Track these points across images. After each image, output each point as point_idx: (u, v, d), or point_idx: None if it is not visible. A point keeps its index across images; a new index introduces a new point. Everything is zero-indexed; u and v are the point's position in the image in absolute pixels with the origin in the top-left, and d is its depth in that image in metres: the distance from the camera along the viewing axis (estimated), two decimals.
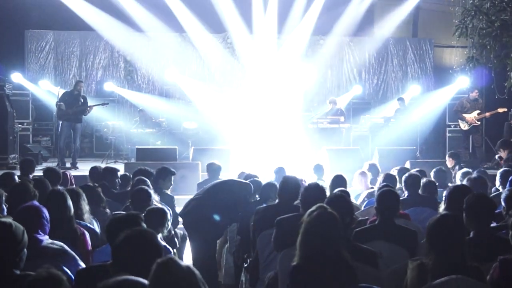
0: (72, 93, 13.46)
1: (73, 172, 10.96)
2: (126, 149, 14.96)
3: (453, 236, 3.57)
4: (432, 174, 7.68)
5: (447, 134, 16.60)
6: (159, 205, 5.81)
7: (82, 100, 13.43)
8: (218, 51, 17.76)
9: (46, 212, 4.36)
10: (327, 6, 17.10)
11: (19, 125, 14.68)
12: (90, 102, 13.62)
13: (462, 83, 16.15)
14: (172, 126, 16.01)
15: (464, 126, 14.21)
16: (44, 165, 13.55)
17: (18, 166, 9.65)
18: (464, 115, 14.12)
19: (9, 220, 3.62)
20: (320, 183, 6.51)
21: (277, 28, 17.47)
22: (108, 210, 6.24)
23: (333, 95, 17.47)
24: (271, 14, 17.09)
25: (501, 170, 7.43)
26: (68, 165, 13.04)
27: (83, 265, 4.27)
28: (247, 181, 6.85)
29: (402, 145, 13.92)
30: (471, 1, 10.90)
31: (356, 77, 17.96)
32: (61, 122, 13.42)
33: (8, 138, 13.36)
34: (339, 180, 6.77)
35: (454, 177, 8.88)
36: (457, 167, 10.43)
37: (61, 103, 13.13)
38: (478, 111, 14.06)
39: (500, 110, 13.96)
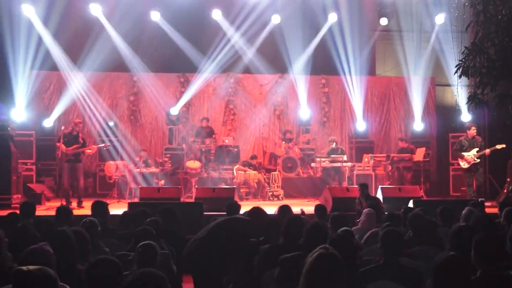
0: (71, 134, 13.57)
1: (79, 211, 10.99)
2: (130, 188, 14.95)
3: (460, 277, 3.55)
4: (437, 213, 7.63)
5: (451, 172, 16.58)
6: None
7: (82, 141, 13.57)
8: (221, 90, 17.91)
9: (51, 255, 4.36)
10: (328, 46, 17.34)
11: (23, 165, 14.71)
12: (92, 143, 13.68)
13: (464, 121, 16.24)
14: (175, 166, 16.04)
15: (464, 165, 14.18)
16: (48, 205, 13.57)
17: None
18: (463, 153, 14.10)
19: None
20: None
21: (279, 67, 17.66)
22: (107, 249, 6.20)
23: (335, 134, 17.56)
24: (274, 53, 17.31)
25: (506, 208, 7.40)
26: (74, 204, 13.05)
27: None
28: (249, 219, 6.81)
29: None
30: (471, 40, 10.97)
31: (358, 116, 17.95)
32: (62, 163, 13.51)
33: (12, 178, 13.39)
34: (338, 220, 6.77)
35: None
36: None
37: (61, 144, 13.24)
38: (477, 149, 14.04)
39: (499, 146, 13.96)
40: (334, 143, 16.09)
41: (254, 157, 16.08)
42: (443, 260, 3.68)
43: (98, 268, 3.83)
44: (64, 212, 7.44)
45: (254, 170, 15.54)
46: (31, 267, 3.47)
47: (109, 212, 8.10)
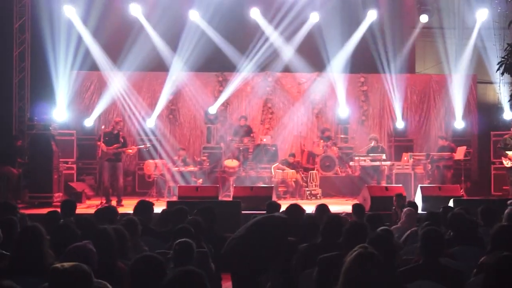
0: (111, 133, 13.71)
1: (121, 210, 11.07)
2: (168, 187, 15.06)
3: None
4: (478, 212, 7.50)
5: (492, 171, 16.28)
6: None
7: (122, 140, 13.67)
8: (259, 89, 17.89)
9: (93, 253, 4.40)
10: (367, 44, 17.20)
11: (64, 164, 14.93)
12: (132, 142, 13.78)
13: (507, 119, 15.96)
14: (213, 164, 16.09)
15: (507, 163, 13.91)
16: (88, 203, 13.77)
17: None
18: (507, 152, 13.84)
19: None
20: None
21: (317, 66, 17.57)
22: (146, 248, 6.22)
23: (374, 132, 17.40)
24: (313, 52, 17.23)
25: None
26: (113, 203, 13.19)
27: None
28: (287, 217, 6.79)
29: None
30: None
31: (398, 114, 17.76)
32: (102, 162, 13.67)
33: (53, 177, 13.60)
34: (373, 219, 6.72)
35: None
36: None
37: (102, 143, 13.38)
38: None
39: None
40: (374, 141, 15.95)
41: (292, 155, 16.03)
42: (497, 260, 3.60)
43: (143, 264, 3.86)
44: (107, 211, 7.49)
45: (292, 169, 15.50)
46: (66, 264, 3.52)
47: (152, 212, 8.07)
